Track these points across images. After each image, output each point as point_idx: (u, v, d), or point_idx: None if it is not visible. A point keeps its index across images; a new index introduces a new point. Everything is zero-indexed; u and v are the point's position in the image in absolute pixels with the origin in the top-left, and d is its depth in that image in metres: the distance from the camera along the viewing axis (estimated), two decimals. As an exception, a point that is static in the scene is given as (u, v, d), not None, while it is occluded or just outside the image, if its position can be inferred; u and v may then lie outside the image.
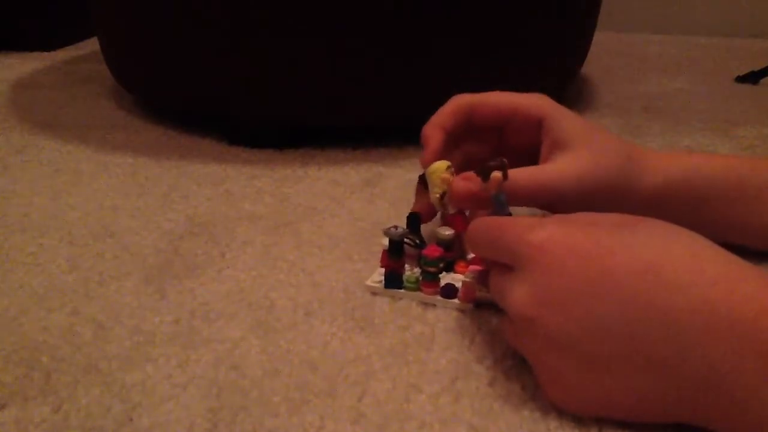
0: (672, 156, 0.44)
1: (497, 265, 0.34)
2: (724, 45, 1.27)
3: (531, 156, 0.44)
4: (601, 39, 1.01)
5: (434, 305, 0.41)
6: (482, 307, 0.40)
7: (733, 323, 0.27)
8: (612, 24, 1.30)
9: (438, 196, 0.43)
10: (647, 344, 0.29)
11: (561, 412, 0.32)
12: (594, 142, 0.42)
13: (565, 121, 0.43)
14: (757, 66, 0.99)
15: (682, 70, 1.07)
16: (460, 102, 0.45)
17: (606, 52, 1.16)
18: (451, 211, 0.44)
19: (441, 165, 0.43)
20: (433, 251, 0.41)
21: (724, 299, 0.28)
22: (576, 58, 0.83)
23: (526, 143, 0.44)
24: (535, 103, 0.44)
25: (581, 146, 0.41)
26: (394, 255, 0.42)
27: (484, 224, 0.36)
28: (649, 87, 0.97)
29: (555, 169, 0.41)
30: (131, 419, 0.32)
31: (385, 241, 0.43)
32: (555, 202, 0.41)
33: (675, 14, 1.39)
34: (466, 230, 0.37)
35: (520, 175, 0.40)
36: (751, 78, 0.99)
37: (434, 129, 0.45)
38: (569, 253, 0.30)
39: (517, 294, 0.31)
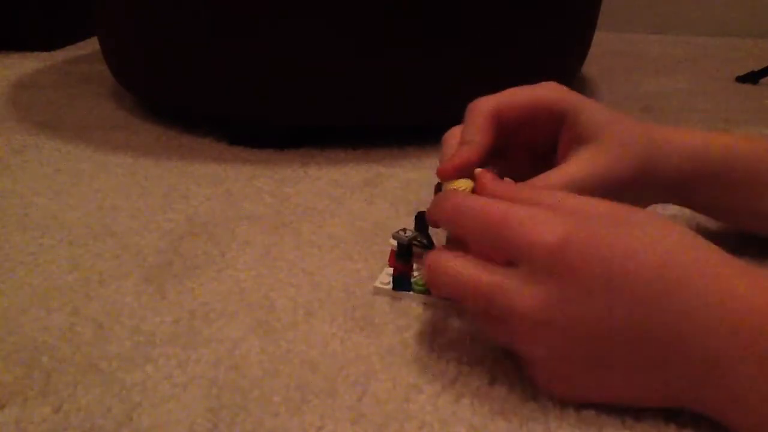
0: (694, 134, 0.43)
1: (486, 259, 0.32)
2: (724, 45, 1.27)
3: (542, 150, 0.43)
4: (601, 39, 1.01)
5: (435, 305, 0.41)
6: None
7: (729, 324, 0.28)
8: (612, 24, 1.30)
9: None
10: (650, 345, 0.30)
11: (562, 412, 0.32)
12: (614, 133, 0.41)
13: (584, 115, 0.41)
14: (757, 66, 0.99)
15: (682, 70, 1.07)
16: (487, 109, 0.40)
17: (606, 52, 1.16)
18: None
19: (464, 184, 0.38)
20: None
21: (720, 300, 0.29)
22: (576, 58, 0.83)
23: (540, 138, 0.43)
24: (556, 97, 0.42)
25: (601, 141, 0.40)
26: (403, 258, 0.42)
27: (478, 209, 0.32)
28: (649, 87, 0.97)
29: (576, 169, 0.40)
30: (131, 419, 0.32)
31: (393, 242, 0.43)
32: None
33: (675, 14, 1.39)
34: (445, 208, 0.34)
35: (544, 181, 0.39)
36: (751, 78, 0.98)
37: (468, 145, 0.40)
38: (588, 258, 0.30)
39: (527, 296, 0.30)
